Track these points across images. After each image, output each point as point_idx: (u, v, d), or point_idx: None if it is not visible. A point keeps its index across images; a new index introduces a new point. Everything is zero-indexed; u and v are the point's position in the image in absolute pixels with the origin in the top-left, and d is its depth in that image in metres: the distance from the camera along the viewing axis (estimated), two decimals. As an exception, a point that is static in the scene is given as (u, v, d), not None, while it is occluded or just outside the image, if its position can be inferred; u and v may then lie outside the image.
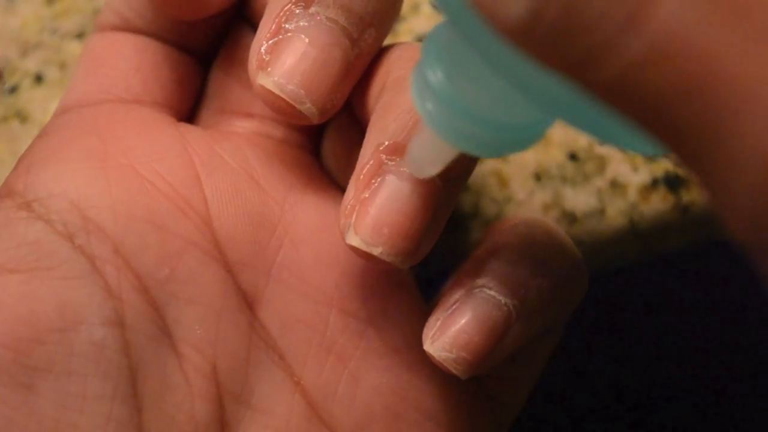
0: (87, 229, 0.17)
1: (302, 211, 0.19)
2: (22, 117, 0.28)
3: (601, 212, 0.27)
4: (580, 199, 0.27)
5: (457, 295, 0.18)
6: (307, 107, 0.17)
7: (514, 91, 0.13)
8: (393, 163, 0.17)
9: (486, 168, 0.27)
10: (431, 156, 0.16)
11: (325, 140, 0.21)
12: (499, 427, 0.20)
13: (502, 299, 0.17)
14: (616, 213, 0.27)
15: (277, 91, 0.17)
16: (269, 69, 0.17)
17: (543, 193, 0.27)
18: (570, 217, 0.27)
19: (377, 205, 0.17)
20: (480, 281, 0.18)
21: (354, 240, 0.17)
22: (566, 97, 0.12)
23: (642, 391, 0.48)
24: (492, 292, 0.18)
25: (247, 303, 0.18)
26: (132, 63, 0.20)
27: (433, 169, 0.17)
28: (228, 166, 0.19)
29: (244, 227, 0.18)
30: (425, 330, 0.18)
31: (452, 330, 0.17)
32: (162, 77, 0.20)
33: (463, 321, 0.17)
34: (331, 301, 0.19)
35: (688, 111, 0.09)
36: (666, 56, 0.09)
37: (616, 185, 0.27)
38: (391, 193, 0.17)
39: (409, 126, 0.17)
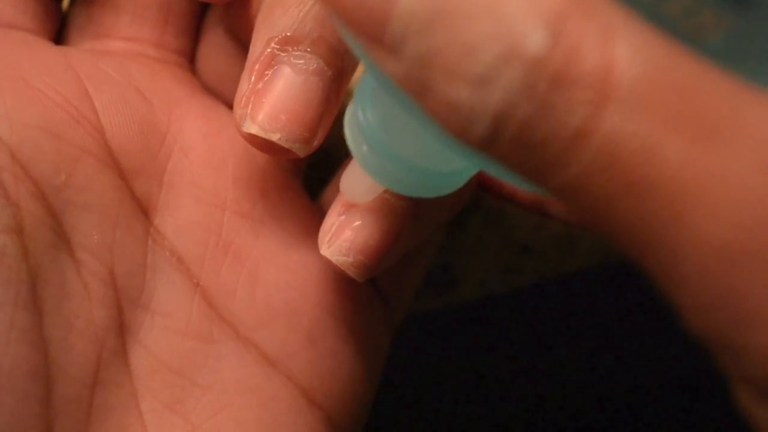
0: None
1: (188, 121, 0.20)
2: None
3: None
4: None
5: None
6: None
7: (441, 143, 0.13)
8: (285, 54, 0.18)
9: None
10: (363, 188, 0.17)
11: (199, 59, 0.21)
12: (388, 328, 0.21)
13: (397, 202, 0.18)
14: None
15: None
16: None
17: (544, 188, 0.27)
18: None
19: (274, 93, 0.17)
20: None
21: (252, 128, 0.17)
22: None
23: (644, 391, 0.48)
24: (386, 195, 0.18)
25: (142, 209, 0.18)
26: None
27: (365, 198, 0.17)
28: (114, 80, 0.19)
29: (135, 137, 0.18)
30: (321, 234, 0.18)
31: (348, 234, 0.18)
32: (31, 4, 0.20)
33: (358, 223, 0.18)
34: (224, 203, 0.19)
35: (635, 211, 0.10)
36: (610, 165, 0.10)
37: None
38: (286, 82, 0.17)
39: (299, 19, 0.18)
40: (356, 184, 0.17)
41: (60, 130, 0.17)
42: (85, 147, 0.17)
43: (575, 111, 0.10)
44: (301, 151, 0.18)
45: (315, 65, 0.18)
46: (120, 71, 0.19)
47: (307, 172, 0.21)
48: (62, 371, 0.16)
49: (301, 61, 0.18)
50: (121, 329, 0.17)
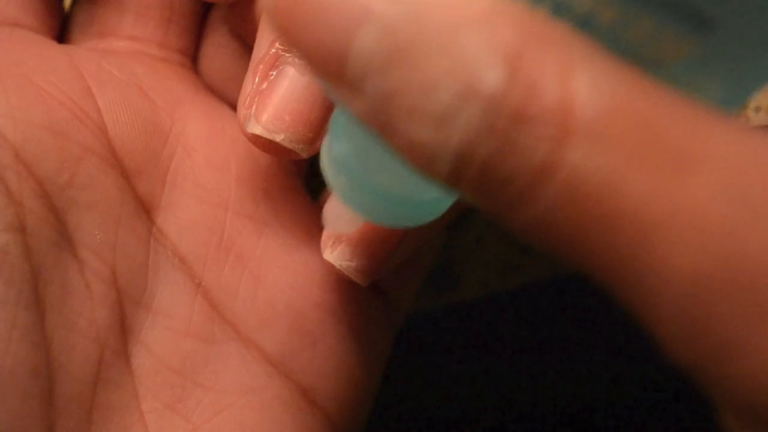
0: None
1: (191, 121, 0.19)
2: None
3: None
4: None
5: None
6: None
7: (415, 172, 0.13)
8: (289, 54, 0.17)
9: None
10: (345, 221, 0.18)
11: (203, 59, 0.22)
12: (390, 328, 0.21)
13: None
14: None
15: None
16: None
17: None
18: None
19: (278, 94, 0.17)
20: None
21: (255, 128, 0.17)
22: None
23: (647, 389, 0.48)
24: None
25: (145, 209, 0.18)
26: None
27: (348, 229, 0.17)
28: (117, 79, 0.19)
29: (138, 136, 0.18)
30: (323, 238, 0.18)
31: (351, 239, 0.18)
32: (34, 3, 0.20)
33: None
34: (227, 204, 0.19)
35: (603, 244, 0.10)
36: (575, 200, 0.10)
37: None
38: (290, 83, 0.17)
39: None
40: (337, 215, 0.17)
41: (63, 129, 0.17)
42: (89, 146, 0.17)
43: (537, 147, 0.10)
44: (304, 152, 0.18)
45: None
46: (123, 70, 0.19)
47: (309, 173, 0.22)
48: (64, 371, 0.16)
49: None
50: (122, 329, 0.17)
